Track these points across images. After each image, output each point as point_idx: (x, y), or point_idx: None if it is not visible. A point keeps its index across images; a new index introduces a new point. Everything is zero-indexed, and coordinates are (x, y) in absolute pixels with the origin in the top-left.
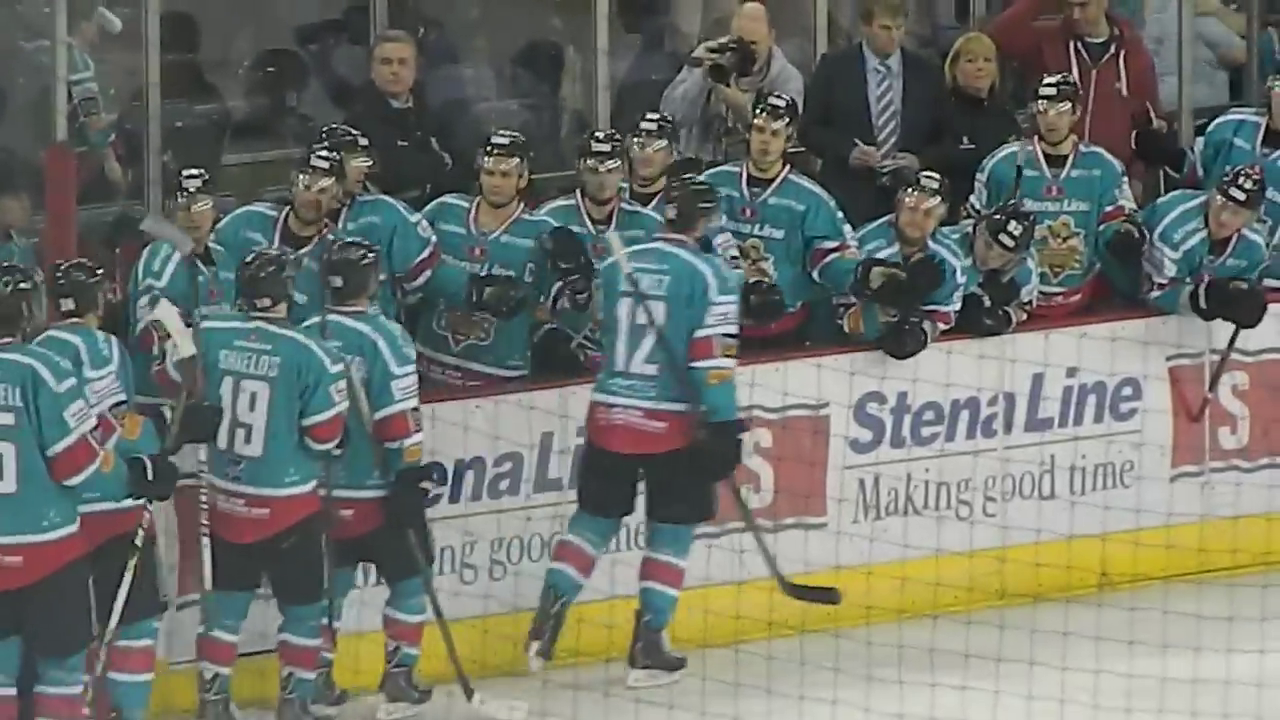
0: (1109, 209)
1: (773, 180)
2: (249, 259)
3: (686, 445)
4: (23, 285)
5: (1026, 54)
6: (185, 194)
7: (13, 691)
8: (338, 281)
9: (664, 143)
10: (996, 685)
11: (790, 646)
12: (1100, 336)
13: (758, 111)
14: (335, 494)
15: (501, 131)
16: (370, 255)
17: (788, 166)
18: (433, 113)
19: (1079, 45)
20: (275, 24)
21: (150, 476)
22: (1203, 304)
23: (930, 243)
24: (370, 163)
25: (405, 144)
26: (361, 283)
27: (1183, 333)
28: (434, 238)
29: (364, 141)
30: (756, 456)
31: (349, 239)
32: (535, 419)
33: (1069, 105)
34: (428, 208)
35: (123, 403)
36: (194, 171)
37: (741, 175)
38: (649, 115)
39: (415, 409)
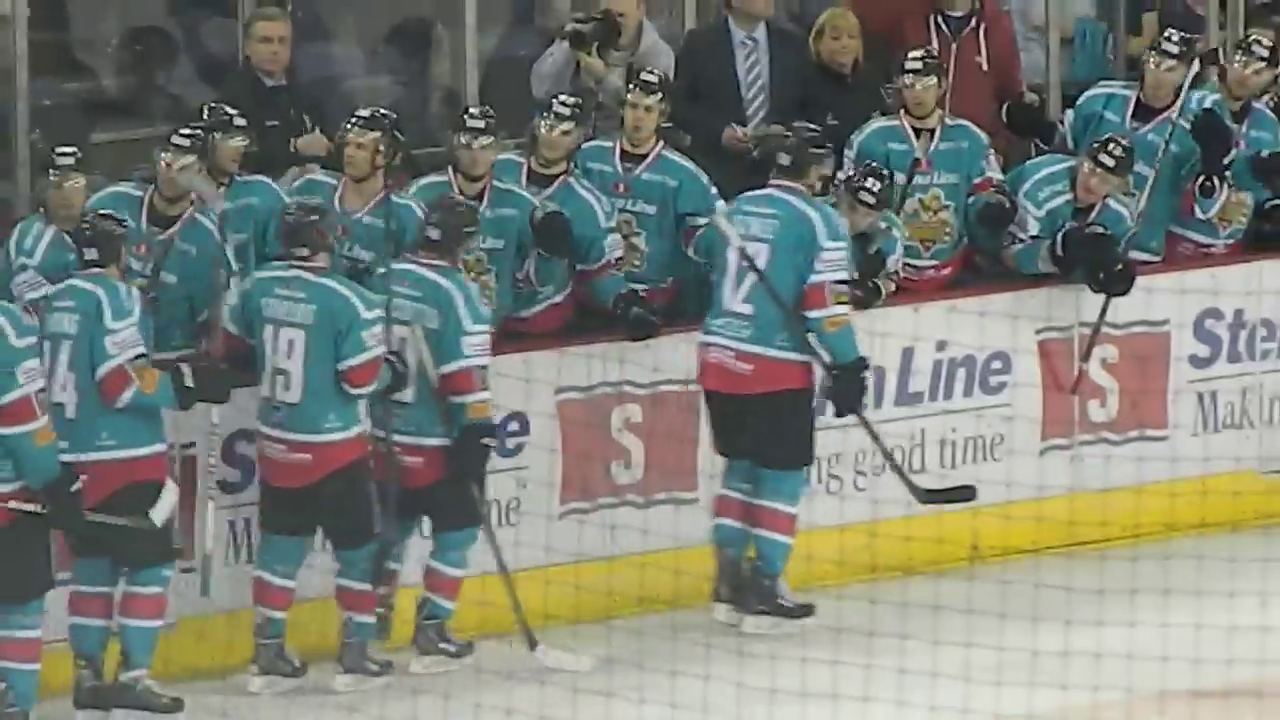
0: (977, 180)
1: (646, 156)
2: (288, 210)
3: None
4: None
5: (888, 29)
6: (58, 171)
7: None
8: (435, 234)
9: (571, 124)
10: (868, 660)
11: (661, 622)
12: (969, 310)
13: (630, 88)
14: (401, 440)
15: (368, 107)
16: (473, 213)
17: (660, 142)
18: (304, 90)
19: (940, 19)
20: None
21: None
22: (1059, 251)
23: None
24: (246, 142)
25: (277, 123)
26: (456, 238)
27: (1052, 306)
28: None
29: (240, 121)
30: (628, 433)
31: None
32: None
33: (934, 79)
34: (294, 184)
35: (142, 355)
36: (66, 149)
37: (614, 150)
38: (561, 98)
39: (483, 367)
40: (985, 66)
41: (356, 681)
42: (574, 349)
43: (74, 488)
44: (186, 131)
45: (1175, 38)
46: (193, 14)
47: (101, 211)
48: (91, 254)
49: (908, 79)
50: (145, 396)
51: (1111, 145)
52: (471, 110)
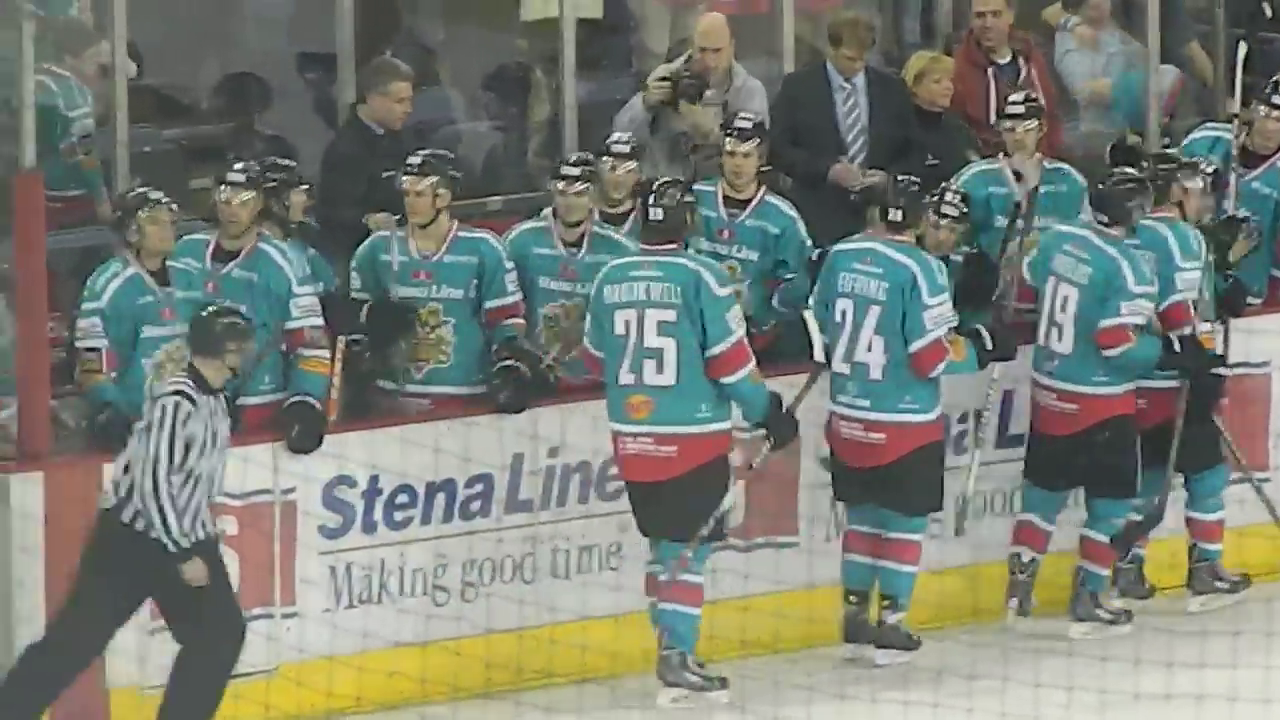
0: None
1: (749, 201)
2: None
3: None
4: (687, 199)
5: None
6: (150, 207)
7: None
8: (896, 216)
9: (634, 164)
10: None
11: (758, 665)
12: None
13: (727, 135)
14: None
15: (419, 151)
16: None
17: (763, 188)
18: (409, 137)
19: (995, 70)
20: (238, 50)
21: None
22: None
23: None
24: (308, 196)
25: (392, 171)
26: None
27: None
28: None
29: (301, 177)
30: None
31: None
32: (506, 440)
33: (1035, 122)
34: (367, 241)
35: (953, 326)
36: (154, 192)
37: (717, 195)
38: (618, 137)
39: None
40: (1043, 102)
41: (1093, 629)
42: None
43: (786, 408)
44: (241, 167)
45: None
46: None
47: None
48: (896, 216)
49: (1008, 123)
50: (955, 364)
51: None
52: (568, 157)
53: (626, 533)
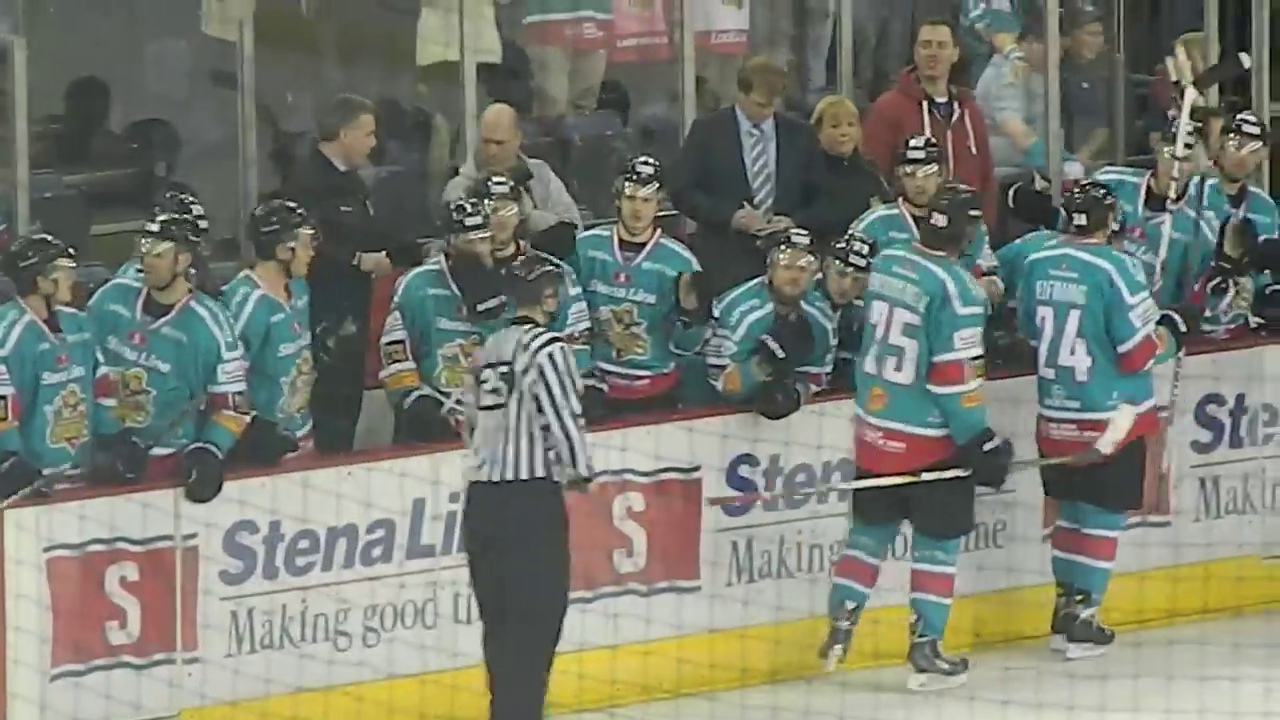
0: (978, 264)
1: (645, 245)
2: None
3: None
4: (973, 212)
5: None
6: (49, 255)
7: (876, 562)
8: (1081, 220)
9: (515, 207)
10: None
11: (664, 709)
12: None
13: (626, 180)
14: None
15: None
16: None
17: (658, 230)
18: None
19: (931, 106)
20: (144, 94)
21: None
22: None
23: (803, 304)
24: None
25: (350, 209)
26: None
27: None
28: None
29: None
30: (629, 520)
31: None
32: (407, 485)
33: (935, 167)
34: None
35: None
36: (56, 243)
37: (613, 239)
38: (497, 179)
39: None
40: (974, 150)
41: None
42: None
43: (989, 446)
44: (163, 218)
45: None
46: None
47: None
48: (1080, 220)
49: (909, 168)
50: (1160, 355)
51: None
52: (466, 205)
53: None
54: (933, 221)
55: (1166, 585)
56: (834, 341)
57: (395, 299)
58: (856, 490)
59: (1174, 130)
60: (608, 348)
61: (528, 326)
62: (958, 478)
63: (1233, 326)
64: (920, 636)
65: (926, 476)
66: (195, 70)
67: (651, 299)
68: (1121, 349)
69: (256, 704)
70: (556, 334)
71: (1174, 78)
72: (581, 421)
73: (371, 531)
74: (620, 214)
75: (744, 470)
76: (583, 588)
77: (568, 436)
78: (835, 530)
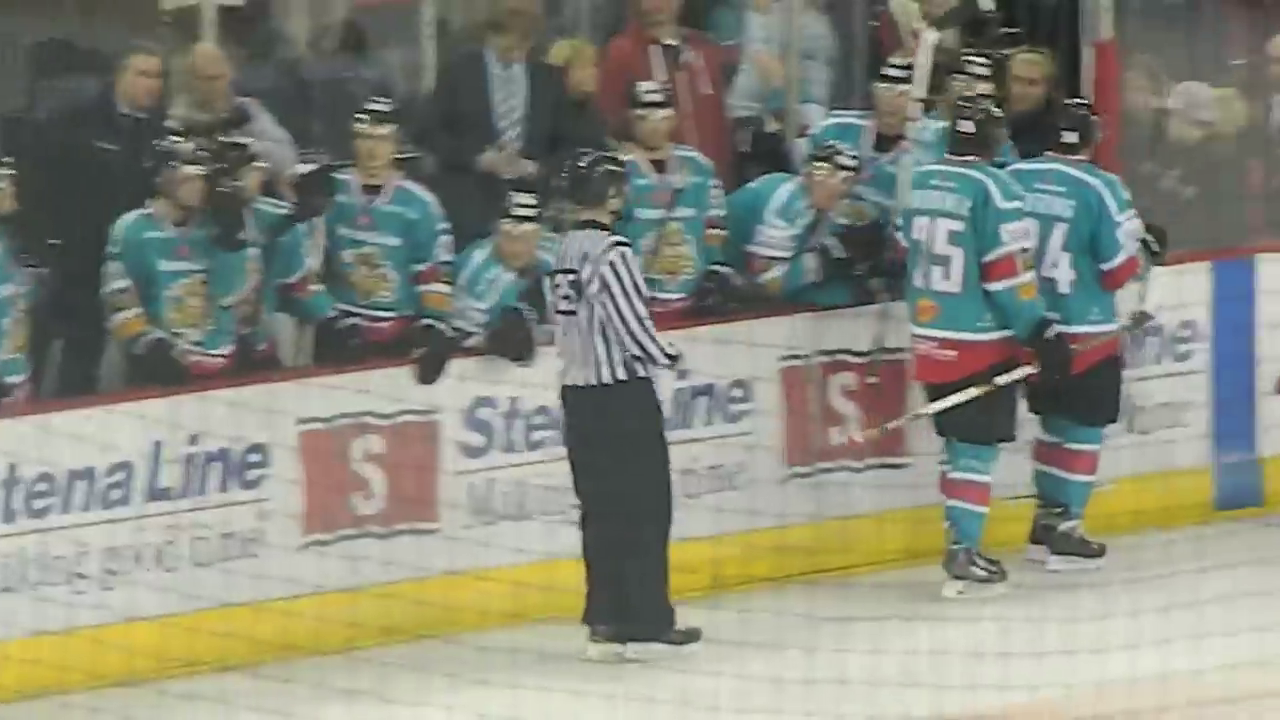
0: (710, 214)
1: (384, 187)
2: None
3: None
4: (996, 113)
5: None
6: None
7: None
8: (1071, 137)
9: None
10: (613, 689)
11: (404, 652)
12: (709, 339)
13: (359, 120)
14: None
15: None
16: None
17: (399, 173)
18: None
19: (663, 50)
20: None
21: None
22: (844, 254)
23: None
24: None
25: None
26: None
27: (795, 334)
28: None
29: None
30: (369, 464)
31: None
32: (146, 428)
33: (669, 110)
34: None
35: None
36: None
37: (354, 182)
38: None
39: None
40: (710, 92)
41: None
42: (315, 379)
43: (1051, 334)
44: None
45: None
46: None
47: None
48: (1070, 138)
49: (641, 111)
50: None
51: (837, 146)
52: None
53: (267, 520)
54: (959, 129)
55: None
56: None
57: (113, 248)
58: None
59: (908, 71)
60: (352, 290)
61: (590, 231)
62: (1029, 375)
63: None
64: (955, 544)
65: (1000, 380)
66: None
67: (395, 241)
68: (1106, 266)
69: None
70: (620, 239)
71: (899, 18)
72: (649, 322)
73: (111, 474)
74: (357, 154)
75: (482, 413)
76: (320, 529)
77: (638, 343)
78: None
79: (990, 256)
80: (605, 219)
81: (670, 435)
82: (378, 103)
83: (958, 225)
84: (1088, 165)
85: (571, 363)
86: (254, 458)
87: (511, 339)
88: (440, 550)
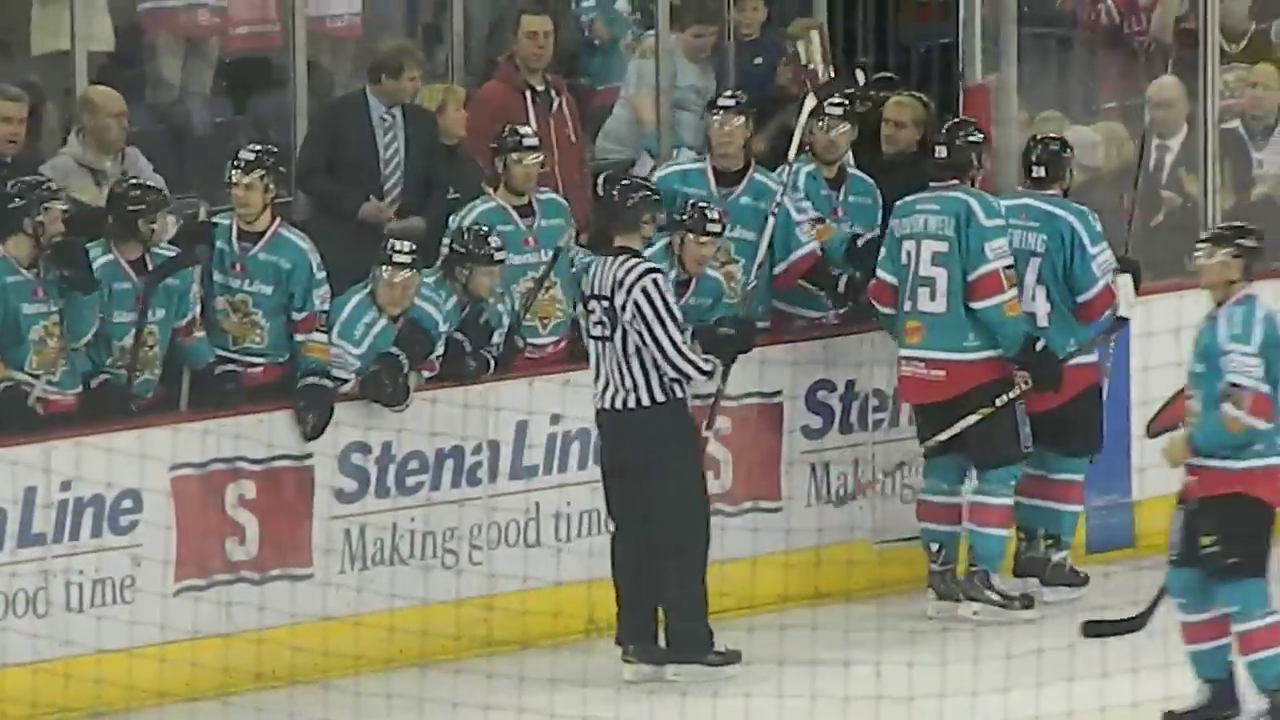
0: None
1: (263, 234)
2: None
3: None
4: (973, 138)
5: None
6: None
7: (950, 500)
8: (1040, 172)
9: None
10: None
11: (278, 698)
12: (585, 384)
13: (233, 167)
14: None
15: None
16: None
17: (277, 220)
18: None
19: (533, 95)
20: None
21: None
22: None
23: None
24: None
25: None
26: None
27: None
28: None
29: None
30: (242, 509)
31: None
32: (18, 473)
33: (540, 155)
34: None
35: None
36: None
37: (232, 228)
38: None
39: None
40: (574, 139)
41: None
42: (188, 425)
43: (1039, 348)
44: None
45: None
46: None
47: None
48: (1039, 172)
49: (515, 155)
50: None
51: (709, 211)
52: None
53: (139, 567)
54: (936, 155)
55: (779, 570)
56: (443, 329)
57: None
58: (921, 431)
59: (799, 113)
60: (225, 335)
61: (623, 258)
62: (1023, 392)
63: (842, 312)
64: (971, 566)
65: (999, 401)
66: None
67: (268, 290)
68: (1081, 298)
69: None
70: (653, 265)
71: (804, 61)
72: (685, 346)
73: None
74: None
75: (356, 458)
76: (195, 576)
77: (674, 365)
78: (448, 517)
79: (975, 274)
80: (638, 244)
81: (545, 479)
82: (248, 150)
83: (941, 246)
84: (1059, 199)
85: (607, 387)
86: (127, 503)
87: (386, 385)
88: (314, 595)
